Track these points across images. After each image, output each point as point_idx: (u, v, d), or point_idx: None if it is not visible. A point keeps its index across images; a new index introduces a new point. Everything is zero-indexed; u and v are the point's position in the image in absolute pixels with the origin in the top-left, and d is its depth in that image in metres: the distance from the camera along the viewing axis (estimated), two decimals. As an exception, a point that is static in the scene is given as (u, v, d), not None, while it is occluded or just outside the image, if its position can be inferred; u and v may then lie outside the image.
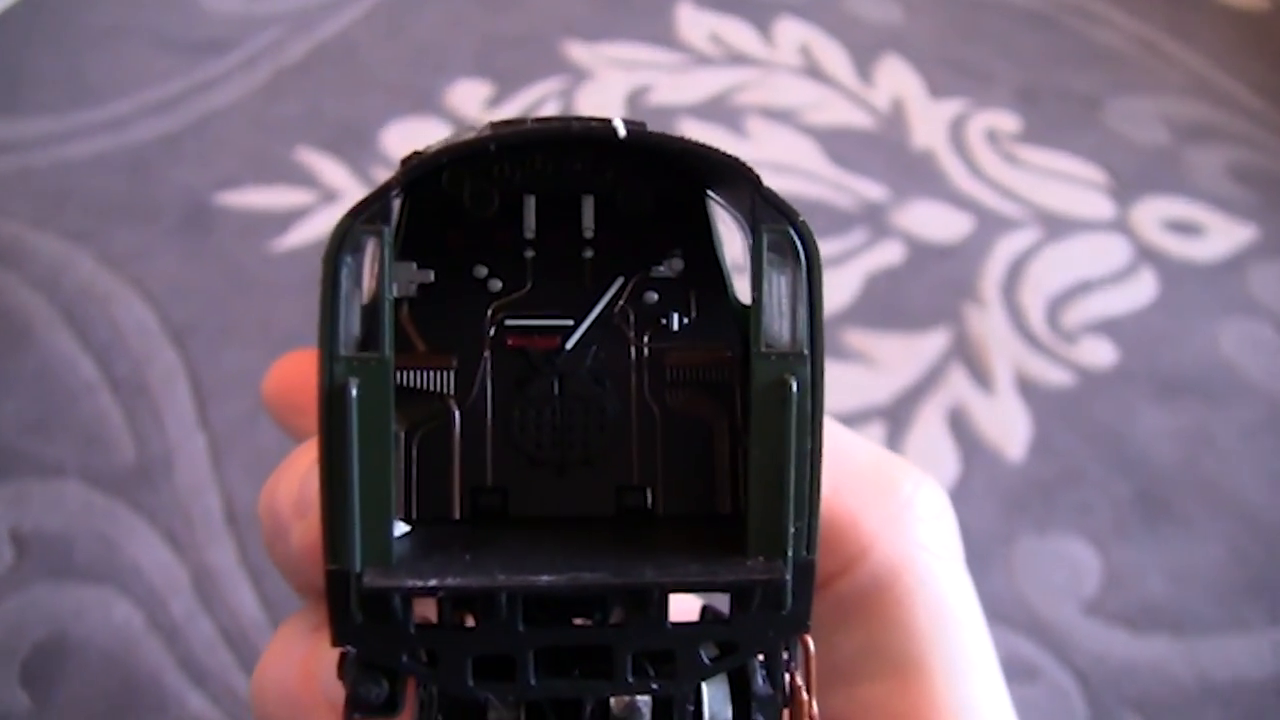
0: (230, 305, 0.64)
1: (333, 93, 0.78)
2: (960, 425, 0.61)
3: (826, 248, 0.74)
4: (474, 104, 0.78)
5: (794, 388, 0.16)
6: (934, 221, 0.71)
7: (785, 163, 0.75)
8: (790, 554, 0.16)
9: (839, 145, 0.75)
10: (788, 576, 0.16)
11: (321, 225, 0.68)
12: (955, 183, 0.74)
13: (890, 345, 0.64)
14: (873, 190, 0.73)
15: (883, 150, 0.76)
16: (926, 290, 0.67)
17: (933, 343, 0.64)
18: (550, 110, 0.77)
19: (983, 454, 0.59)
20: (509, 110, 0.77)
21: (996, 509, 0.57)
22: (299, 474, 0.19)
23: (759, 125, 0.77)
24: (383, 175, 0.71)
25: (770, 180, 0.16)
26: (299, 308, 0.63)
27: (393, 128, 0.75)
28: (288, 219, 0.68)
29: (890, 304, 0.66)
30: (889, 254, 0.69)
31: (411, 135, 0.74)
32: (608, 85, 0.80)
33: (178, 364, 0.61)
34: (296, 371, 0.27)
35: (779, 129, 0.77)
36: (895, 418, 0.61)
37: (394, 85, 0.79)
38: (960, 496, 0.57)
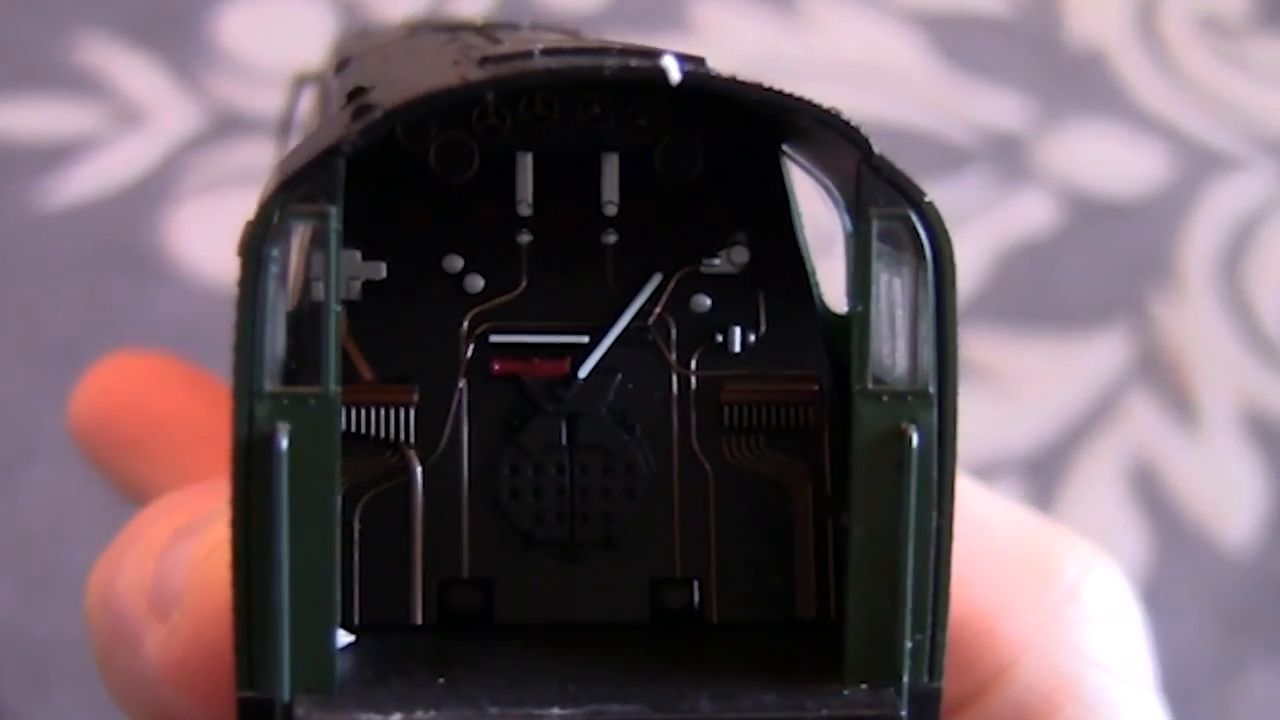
0: (-29, 295, 0.64)
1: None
2: (1148, 488, 0.62)
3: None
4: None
5: (914, 441, 0.18)
6: (1103, 161, 0.72)
7: (866, 68, 0.76)
8: (906, 680, 0.18)
9: (952, 40, 0.76)
10: (903, 713, 0.18)
11: (123, 163, 0.69)
12: (1139, 98, 0.75)
13: (1034, 358, 0.65)
14: (1006, 111, 0.74)
15: (1022, 47, 0.77)
16: (1091, 270, 0.68)
17: (1102, 354, 0.66)
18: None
19: (1185, 534, 0.61)
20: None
21: (1208, 622, 0.58)
22: (152, 550, 0.20)
23: (824, 7, 0.78)
24: (218, 83, 0.72)
25: (846, 96, 0.18)
26: (88, 299, 0.64)
27: (232, 6, 0.75)
28: (64, 153, 0.69)
29: (1034, 292, 0.67)
30: (1032, 213, 0.70)
31: (262, 18, 0.75)
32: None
33: (-114, 389, 0.61)
34: (122, 385, 0.28)
35: (857, 13, 0.78)
36: (1042, 473, 0.62)
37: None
38: (1150, 600, 0.58)
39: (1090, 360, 0.66)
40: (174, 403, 0.27)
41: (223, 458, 0.18)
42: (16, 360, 0.62)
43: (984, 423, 0.63)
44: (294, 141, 0.24)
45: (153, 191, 0.67)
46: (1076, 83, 0.75)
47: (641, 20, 0.74)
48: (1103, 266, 0.69)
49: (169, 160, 0.68)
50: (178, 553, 0.20)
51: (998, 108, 0.74)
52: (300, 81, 0.32)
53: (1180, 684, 0.53)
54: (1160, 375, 0.65)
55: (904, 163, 0.18)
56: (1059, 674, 0.21)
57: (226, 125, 0.69)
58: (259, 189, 0.19)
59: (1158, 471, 0.62)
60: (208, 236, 0.65)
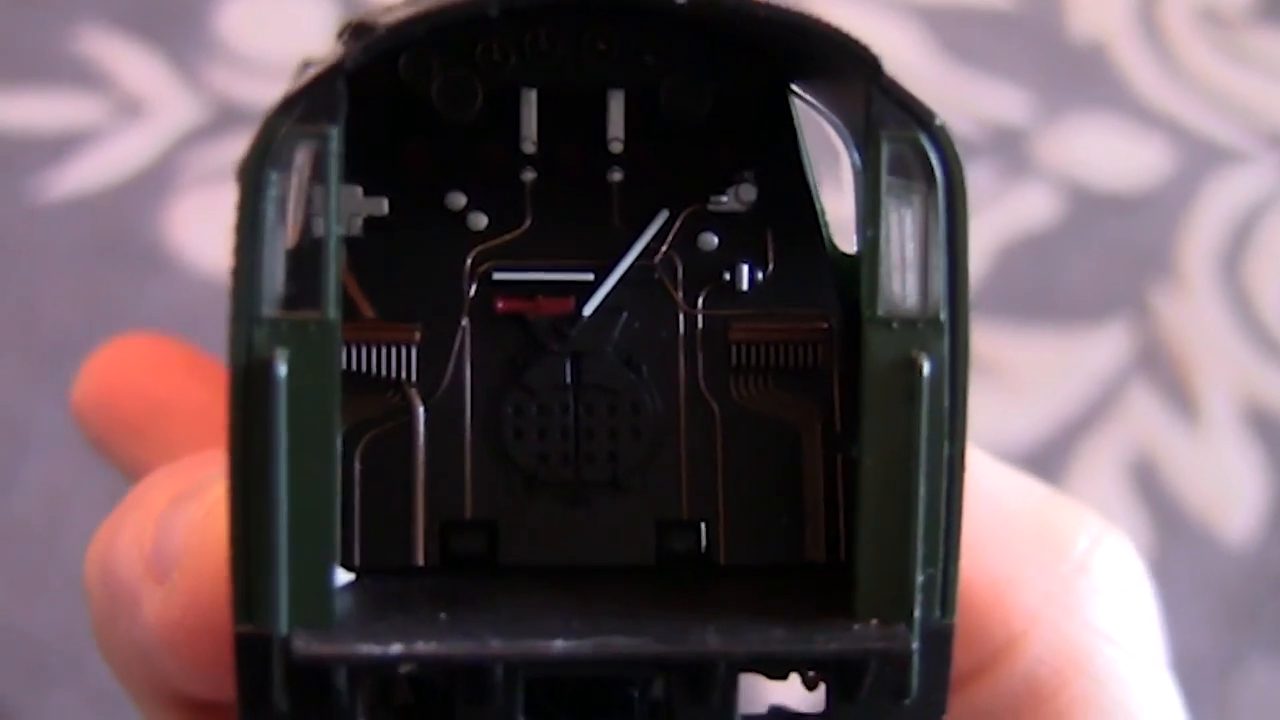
0: (-34, 286, 0.64)
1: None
2: (1148, 482, 0.62)
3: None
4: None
5: (926, 370, 0.18)
6: (1104, 155, 0.72)
7: (868, 60, 0.75)
8: (918, 615, 0.18)
9: (954, 33, 0.77)
10: (914, 646, 0.17)
11: (122, 155, 0.69)
12: (1142, 91, 0.75)
13: (1035, 351, 0.65)
14: (1008, 104, 0.74)
15: (1023, 40, 0.77)
16: (1093, 264, 0.68)
17: (1103, 348, 0.66)
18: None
19: (1186, 529, 0.61)
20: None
21: (1209, 616, 0.58)
22: (151, 518, 0.20)
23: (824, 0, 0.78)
24: (218, 76, 0.72)
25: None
26: (86, 292, 0.64)
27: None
28: (64, 145, 0.69)
29: (1035, 286, 0.67)
30: (1033, 206, 0.70)
31: (262, 11, 0.75)
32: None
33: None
34: (125, 367, 0.28)
35: (858, 6, 0.78)
36: (1043, 466, 0.62)
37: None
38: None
39: (1091, 354, 0.65)
40: (176, 386, 0.27)
41: (224, 438, 0.18)
42: (12, 353, 0.62)
43: (985, 416, 0.63)
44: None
45: (152, 184, 0.67)
46: (1078, 76, 0.75)
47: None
48: (1104, 260, 0.69)
49: (168, 153, 0.68)
50: (176, 516, 0.20)
51: (999, 101, 0.74)
52: (305, 65, 0.32)
53: (1181, 678, 0.53)
54: (1161, 369, 0.65)
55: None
56: (1069, 646, 0.21)
57: (226, 118, 0.69)
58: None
59: (1158, 465, 0.62)
60: (206, 229, 0.65)
